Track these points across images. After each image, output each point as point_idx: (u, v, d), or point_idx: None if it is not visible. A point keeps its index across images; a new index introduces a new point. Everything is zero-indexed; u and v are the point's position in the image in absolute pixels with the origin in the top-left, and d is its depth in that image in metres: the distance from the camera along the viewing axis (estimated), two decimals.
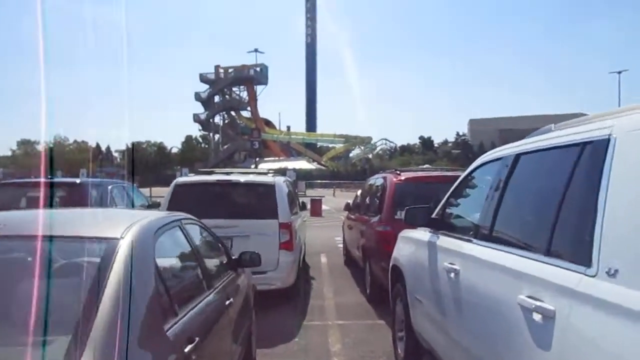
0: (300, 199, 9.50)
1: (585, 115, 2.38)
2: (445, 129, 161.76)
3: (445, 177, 6.49)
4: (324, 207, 26.44)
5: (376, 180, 7.49)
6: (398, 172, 6.65)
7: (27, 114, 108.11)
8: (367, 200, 7.78)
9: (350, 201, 9.52)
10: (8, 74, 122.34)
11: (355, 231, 7.76)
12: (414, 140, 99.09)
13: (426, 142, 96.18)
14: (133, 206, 8.89)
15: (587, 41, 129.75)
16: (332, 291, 7.50)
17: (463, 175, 3.62)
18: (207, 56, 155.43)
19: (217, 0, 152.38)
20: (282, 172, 27.91)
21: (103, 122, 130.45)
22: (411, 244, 4.25)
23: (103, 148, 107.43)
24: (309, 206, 26.69)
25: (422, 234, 3.97)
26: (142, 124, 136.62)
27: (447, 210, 3.71)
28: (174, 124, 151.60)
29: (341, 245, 11.30)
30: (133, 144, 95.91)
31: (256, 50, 53.90)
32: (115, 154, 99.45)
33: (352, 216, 8.62)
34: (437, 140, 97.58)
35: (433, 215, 3.82)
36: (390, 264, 4.77)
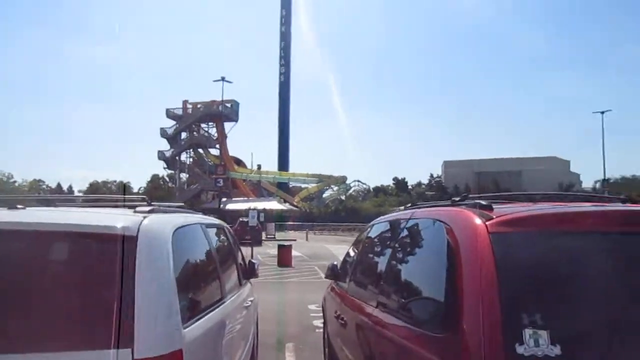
0: (249, 258, 5.27)
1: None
2: (419, 171, 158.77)
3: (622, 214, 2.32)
4: (294, 253, 21.75)
5: (410, 224, 3.09)
6: (483, 203, 2.34)
7: None
8: (386, 271, 3.18)
9: (337, 262, 5.21)
10: None
11: (361, 336, 3.31)
12: (387, 182, 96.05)
13: (400, 184, 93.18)
14: None
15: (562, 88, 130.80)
16: None
17: None
18: (175, 91, 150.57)
19: (188, 34, 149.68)
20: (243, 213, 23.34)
21: (69, 161, 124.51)
22: None
23: (65, 187, 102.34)
24: (275, 252, 21.97)
25: None
26: (109, 163, 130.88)
27: None
28: (143, 163, 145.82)
29: (319, 323, 7.07)
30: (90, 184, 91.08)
31: (223, 79, 49.52)
32: (80, 194, 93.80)
33: (347, 297, 4.09)
34: (410, 182, 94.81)
35: None
36: None
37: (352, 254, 4.78)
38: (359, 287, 3.88)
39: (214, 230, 3.95)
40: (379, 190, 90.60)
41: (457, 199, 2.75)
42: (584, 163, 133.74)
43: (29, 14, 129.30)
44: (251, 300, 4.59)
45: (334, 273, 5.00)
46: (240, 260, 4.78)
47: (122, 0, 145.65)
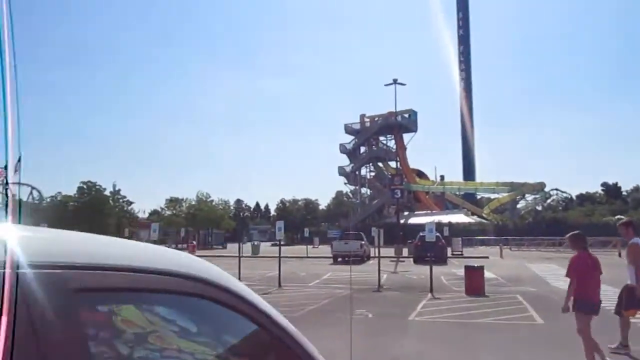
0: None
1: None
2: (632, 174, 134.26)
3: None
4: (487, 275, 16.99)
5: None
6: None
7: (174, 174, 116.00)
8: None
9: None
10: (168, 138, 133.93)
11: None
12: (593, 188, 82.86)
13: (611, 190, 79.56)
14: None
15: None
16: None
17: None
18: (352, 107, 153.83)
19: (362, 50, 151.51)
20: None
21: (265, 181, 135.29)
22: None
23: (262, 206, 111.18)
24: (462, 273, 17.17)
25: None
26: (299, 182, 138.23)
27: None
28: (328, 181, 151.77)
29: None
30: (282, 202, 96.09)
31: (395, 82, 46.11)
32: (275, 213, 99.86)
33: None
34: (625, 187, 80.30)
35: None
36: None
37: None
38: None
39: None
40: (584, 199, 78.63)
41: None
42: None
43: (225, 57, 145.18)
44: None
45: None
46: None
47: (290, 32, 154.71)
